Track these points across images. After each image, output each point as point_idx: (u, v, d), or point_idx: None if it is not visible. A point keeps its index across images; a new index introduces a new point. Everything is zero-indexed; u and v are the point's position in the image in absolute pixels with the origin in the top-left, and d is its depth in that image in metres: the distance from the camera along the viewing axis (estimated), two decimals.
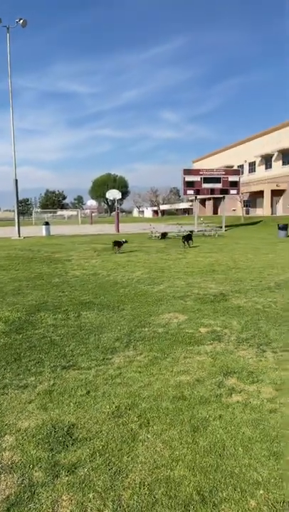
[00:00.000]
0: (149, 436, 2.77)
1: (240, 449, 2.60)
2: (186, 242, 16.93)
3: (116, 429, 2.87)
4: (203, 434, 2.77)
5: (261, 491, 2.23)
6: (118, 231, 28.07)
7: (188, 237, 17.24)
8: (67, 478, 2.36)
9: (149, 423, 2.93)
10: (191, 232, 19.10)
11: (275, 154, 44.76)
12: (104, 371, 3.91)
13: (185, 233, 18.78)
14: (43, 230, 26.34)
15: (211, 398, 3.28)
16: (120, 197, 32.51)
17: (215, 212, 58.21)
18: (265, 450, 2.59)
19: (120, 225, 30.14)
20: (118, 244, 15.09)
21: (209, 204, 60.18)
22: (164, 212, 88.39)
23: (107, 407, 3.18)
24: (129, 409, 3.14)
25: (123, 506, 2.13)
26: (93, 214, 58.73)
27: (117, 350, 4.49)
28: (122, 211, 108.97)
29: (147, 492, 2.23)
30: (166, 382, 3.61)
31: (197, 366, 3.97)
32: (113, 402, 3.25)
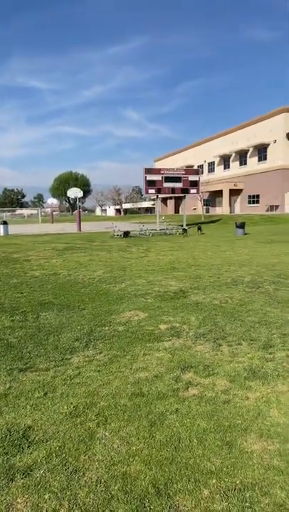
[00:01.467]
0: (106, 433, 2.79)
1: (194, 440, 2.68)
2: (199, 230, 23.93)
3: (73, 429, 2.86)
4: (160, 429, 2.83)
5: (214, 480, 2.32)
6: (80, 230, 27.73)
7: (199, 228, 24.55)
8: (22, 480, 2.32)
9: (106, 421, 2.95)
10: (201, 223, 27.90)
11: (233, 155, 46.17)
12: (62, 372, 3.87)
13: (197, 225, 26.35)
14: (0, 230, 25.46)
15: (169, 393, 3.35)
16: (82, 195, 32.09)
17: (176, 211, 59.08)
18: (218, 440, 2.69)
19: (82, 223, 29.79)
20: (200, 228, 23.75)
21: (171, 203, 60.97)
22: (126, 211, 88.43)
23: (65, 407, 3.15)
24: (88, 408, 3.14)
25: (79, 505, 2.13)
26: (54, 213, 57.51)
27: (76, 350, 4.46)
28: (85, 210, 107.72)
29: (103, 489, 2.25)
30: (125, 380, 3.64)
31: (156, 362, 4.04)
32: (71, 403, 3.23)
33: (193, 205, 51.30)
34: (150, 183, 27.56)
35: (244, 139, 43.57)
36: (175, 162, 58.69)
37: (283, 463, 2.45)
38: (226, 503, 2.14)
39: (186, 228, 24.82)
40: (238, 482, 2.30)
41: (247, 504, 2.13)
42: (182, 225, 28.97)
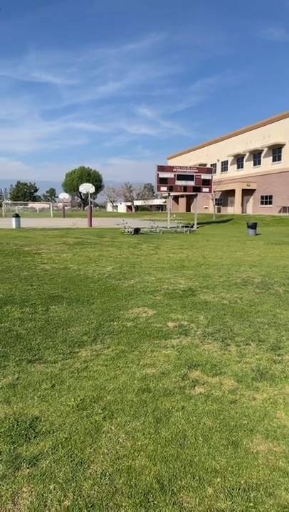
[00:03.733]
0: (112, 427, 2.80)
1: (200, 438, 2.68)
2: (190, 229, 24.00)
3: (80, 421, 2.88)
4: (166, 425, 2.83)
5: (218, 479, 2.31)
6: (91, 225, 27.83)
7: (192, 226, 25.03)
8: (28, 470, 2.35)
9: (113, 415, 2.96)
10: (192, 224, 26.99)
11: (247, 155, 45.72)
12: (70, 364, 3.90)
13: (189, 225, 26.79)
14: (12, 222, 25.66)
15: (175, 390, 3.36)
16: (94, 191, 32.15)
17: (188, 209, 58.84)
18: (224, 439, 2.68)
19: (93, 219, 29.89)
20: (188, 226, 23.24)
21: (182, 201, 60.74)
22: (137, 207, 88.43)
23: (72, 400, 3.18)
24: (94, 401, 3.16)
25: (83, 496, 2.15)
26: (66, 207, 57.88)
27: (84, 344, 4.48)
28: (96, 205, 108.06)
29: (108, 482, 2.27)
30: (132, 375, 3.65)
31: (163, 359, 4.04)
32: (78, 395, 3.25)
33: (204, 204, 51.02)
34: (162, 181, 27.47)
35: (258, 138, 43.09)
36: (188, 160, 58.41)
37: None
38: (230, 502, 2.13)
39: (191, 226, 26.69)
40: (242, 482, 2.30)
41: (251, 504, 2.13)
42: (192, 224, 28.88)
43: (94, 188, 31.93)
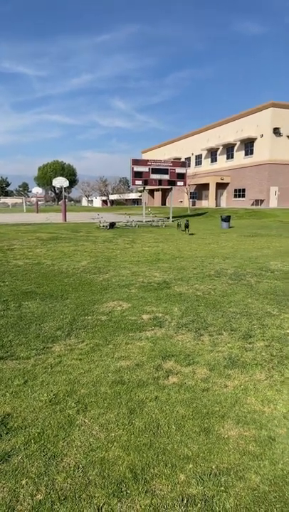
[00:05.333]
0: (86, 420, 2.80)
1: (173, 426, 2.72)
2: (186, 229, 19.00)
3: (53, 416, 2.86)
4: (139, 415, 2.86)
5: (190, 465, 2.36)
6: (65, 220, 27.45)
7: (186, 225, 19.27)
8: None
9: (86, 408, 2.96)
10: (188, 220, 20.40)
11: (220, 148, 46.24)
12: (43, 360, 3.86)
13: (184, 221, 20.36)
14: None
15: (149, 381, 3.38)
16: (68, 185, 31.63)
17: (163, 203, 59.03)
18: (196, 426, 2.73)
19: (68, 214, 29.49)
20: (187, 226, 18.82)
21: (158, 195, 60.85)
22: (113, 202, 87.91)
23: (45, 395, 3.15)
24: (68, 395, 3.14)
25: (56, 490, 2.14)
26: (39, 202, 56.73)
27: (58, 339, 4.44)
28: (71, 200, 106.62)
29: (81, 474, 2.27)
30: (106, 368, 3.65)
31: (138, 351, 4.06)
32: (51, 390, 3.23)
33: (179, 198, 51.35)
34: (137, 175, 27.40)
35: (231, 132, 43.63)
36: (162, 154, 58.46)
37: (258, 448, 2.51)
38: (202, 488, 2.18)
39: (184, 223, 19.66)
40: (214, 467, 2.35)
41: (222, 488, 2.18)
42: (168, 217, 29.02)
43: (68, 182, 31.43)
